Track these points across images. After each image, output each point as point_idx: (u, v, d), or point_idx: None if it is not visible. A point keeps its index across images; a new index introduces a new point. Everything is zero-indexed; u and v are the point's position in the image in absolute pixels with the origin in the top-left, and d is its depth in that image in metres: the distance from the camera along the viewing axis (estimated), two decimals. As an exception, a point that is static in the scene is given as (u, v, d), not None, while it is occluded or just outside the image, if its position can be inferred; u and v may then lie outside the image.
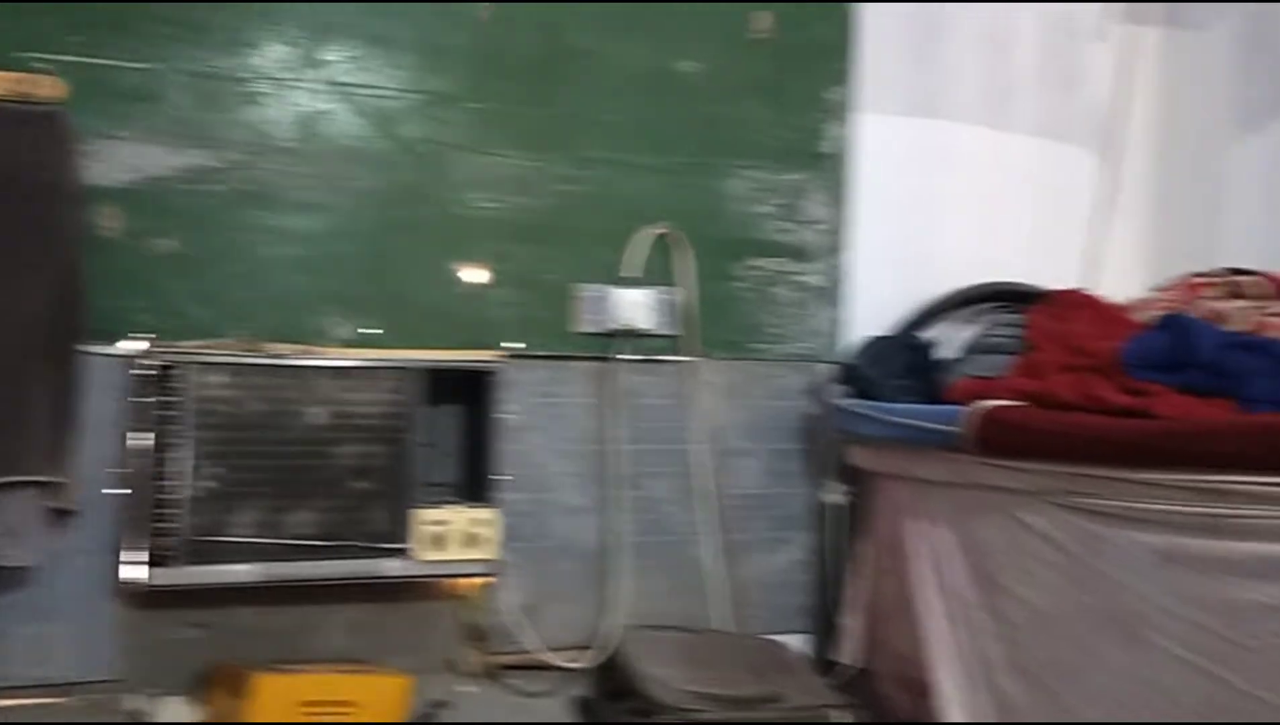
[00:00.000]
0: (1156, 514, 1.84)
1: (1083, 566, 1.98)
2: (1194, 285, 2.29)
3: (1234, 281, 2.27)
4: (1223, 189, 2.84)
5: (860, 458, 2.60)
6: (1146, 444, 1.85)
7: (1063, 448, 1.99)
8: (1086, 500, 1.98)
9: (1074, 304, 2.32)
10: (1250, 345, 1.98)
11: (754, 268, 2.70)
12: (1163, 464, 1.82)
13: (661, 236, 2.58)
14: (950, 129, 2.86)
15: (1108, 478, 1.93)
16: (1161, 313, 2.16)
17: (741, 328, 2.69)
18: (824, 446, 2.68)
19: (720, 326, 2.66)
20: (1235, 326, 2.20)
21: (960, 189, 2.87)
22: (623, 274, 2.55)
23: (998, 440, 2.10)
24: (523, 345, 2.47)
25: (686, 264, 2.59)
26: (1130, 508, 1.89)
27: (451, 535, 2.31)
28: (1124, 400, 1.97)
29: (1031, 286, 2.60)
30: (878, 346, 2.59)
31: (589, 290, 2.53)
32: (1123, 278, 2.82)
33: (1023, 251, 2.89)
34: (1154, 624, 1.84)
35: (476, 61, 2.47)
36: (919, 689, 2.36)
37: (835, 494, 2.66)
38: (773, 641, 2.61)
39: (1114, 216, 2.98)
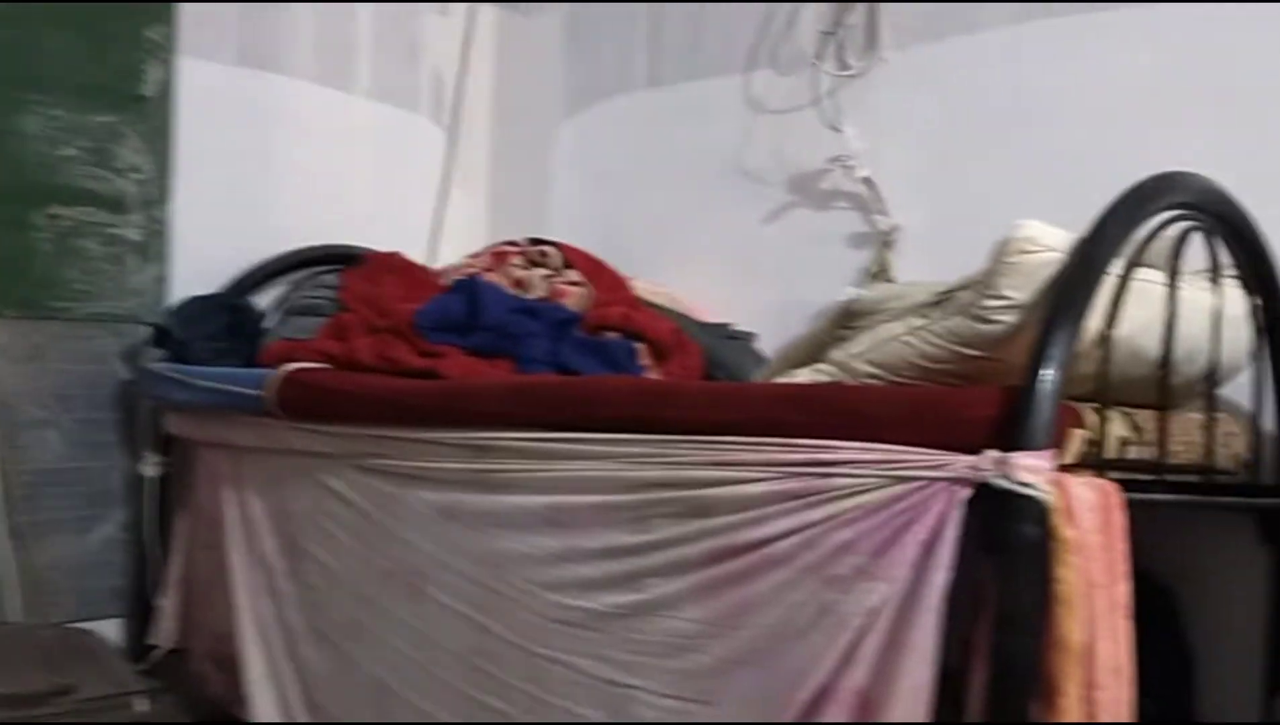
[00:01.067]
0: (438, 472, 1.89)
1: (376, 527, 1.99)
2: (502, 253, 2.40)
3: (536, 251, 2.41)
4: (550, 166, 3.03)
5: (177, 426, 2.43)
6: (428, 404, 1.89)
7: (357, 409, 1.98)
8: (381, 461, 1.98)
9: (386, 267, 2.34)
10: (533, 310, 2.10)
11: (56, 217, 2.41)
12: (443, 423, 1.87)
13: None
14: (287, 85, 2.76)
15: (399, 438, 1.95)
16: (457, 277, 2.23)
17: (40, 283, 2.40)
18: (140, 415, 2.48)
19: (13, 282, 2.35)
20: (535, 293, 2.33)
21: (299, 148, 2.78)
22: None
23: (297, 403, 2.05)
24: None
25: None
26: (417, 467, 1.92)
27: None
28: (417, 362, 2.00)
29: (361, 250, 2.59)
30: (194, 307, 2.44)
31: None
32: (463, 247, 2.91)
33: (368, 217, 2.88)
34: (433, 579, 1.89)
35: None
36: (231, 665, 2.26)
37: (152, 466, 2.47)
38: (75, 629, 2.37)
39: (455, 187, 3.06)
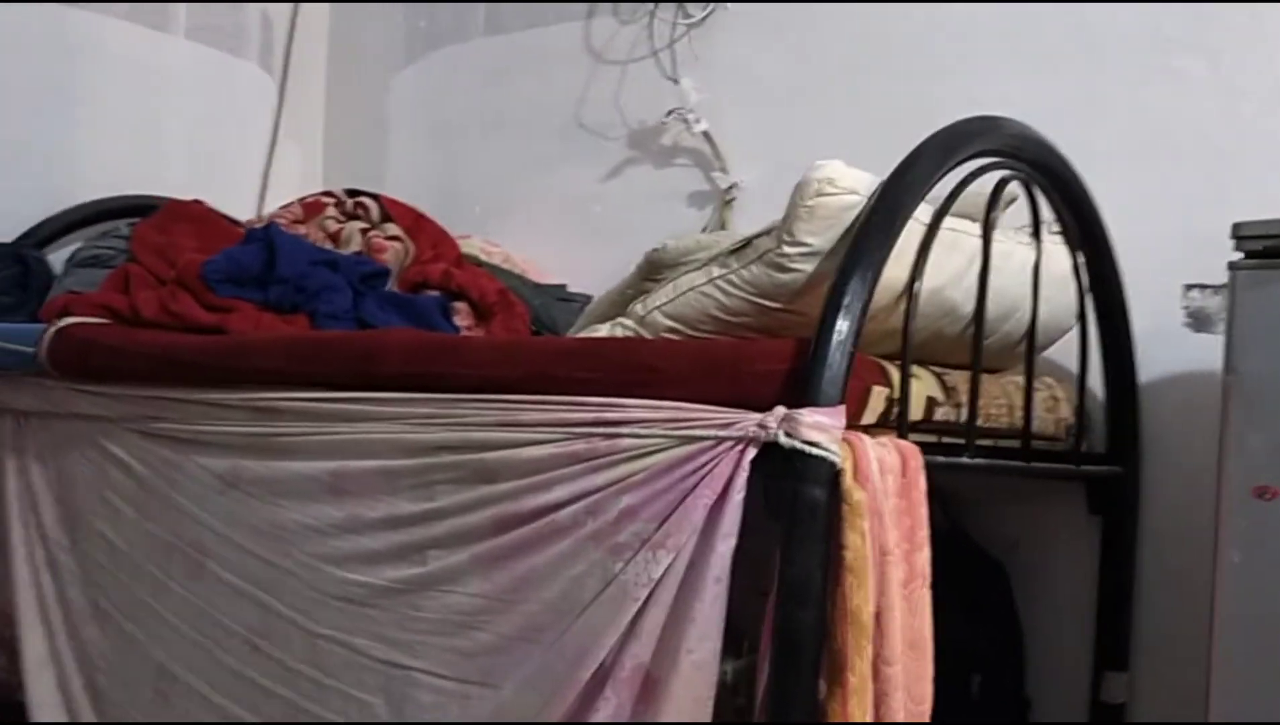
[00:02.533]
0: (219, 436, 1.74)
1: (157, 497, 1.82)
2: (316, 204, 2.23)
3: (352, 203, 2.25)
4: (386, 116, 2.86)
5: (-43, 389, 2.22)
6: (206, 362, 1.73)
7: (133, 368, 1.81)
8: (161, 425, 1.82)
9: (182, 215, 2.15)
10: (334, 262, 1.95)
11: None
12: (223, 383, 1.72)
13: None
14: (94, 21, 2.54)
15: (178, 400, 1.78)
16: (250, 227, 2.07)
17: None
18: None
19: None
20: (350, 248, 2.18)
21: (107, 91, 2.57)
22: None
23: (69, 361, 1.87)
24: None
25: None
26: (198, 431, 1.76)
27: None
28: (204, 317, 1.84)
29: (162, 199, 2.39)
30: (-28, 258, 2.23)
31: None
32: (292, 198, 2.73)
33: (188, 167, 2.68)
34: (213, 553, 1.73)
35: None
36: (11, 648, 2.07)
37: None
38: None
39: (286, 137, 2.88)
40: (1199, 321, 1.67)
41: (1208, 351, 1.79)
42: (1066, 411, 1.76)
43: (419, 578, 1.49)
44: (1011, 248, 1.56)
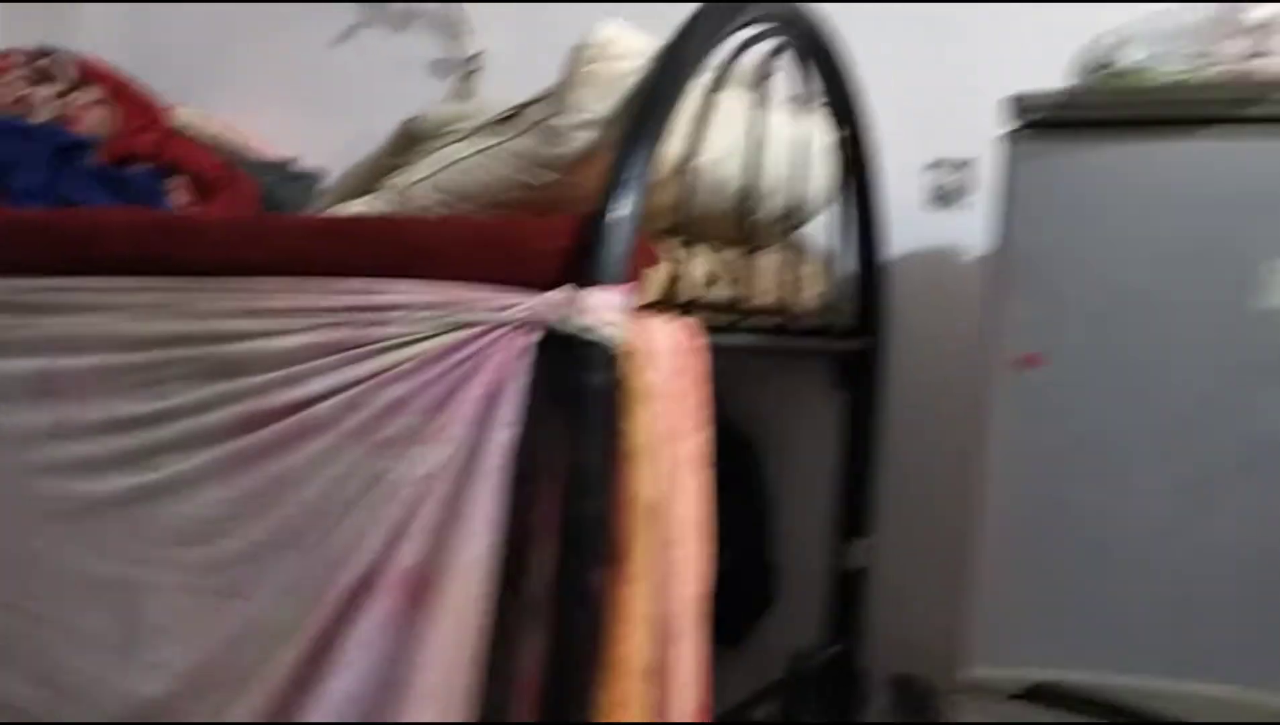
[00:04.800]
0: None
1: None
2: (-3, 65, 1.93)
3: (43, 63, 1.96)
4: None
5: None
6: None
7: None
8: None
9: None
10: (26, 132, 1.69)
11: None
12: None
13: None
14: None
15: None
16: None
17: None
18: None
19: None
20: (39, 116, 1.90)
21: None
22: None
23: None
24: None
25: None
26: None
27: None
28: None
29: None
30: None
31: None
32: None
33: None
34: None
35: None
36: None
37: None
38: None
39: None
40: (945, 197, 1.70)
41: (951, 228, 1.87)
42: (821, 288, 1.77)
43: (151, 485, 1.33)
44: (781, 122, 1.52)
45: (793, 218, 1.61)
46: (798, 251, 1.75)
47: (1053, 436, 1.23)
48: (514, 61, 2.12)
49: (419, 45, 2.24)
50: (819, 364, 1.92)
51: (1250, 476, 1.14)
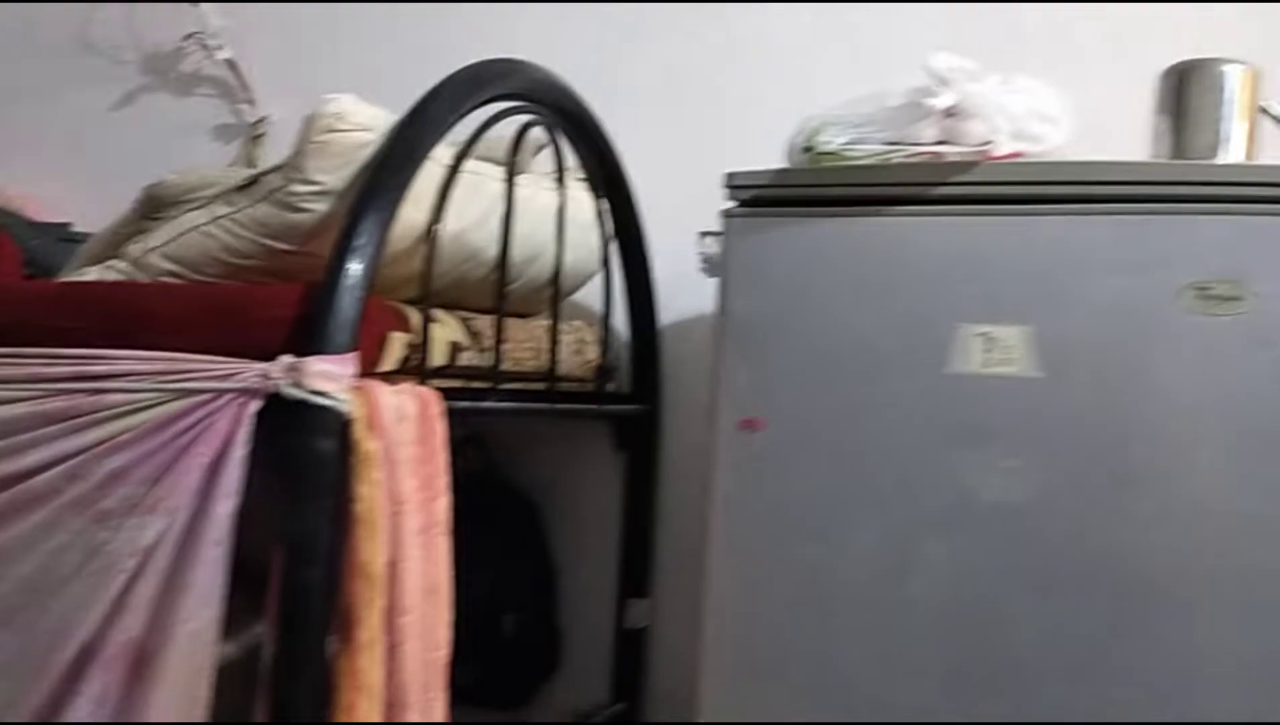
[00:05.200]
0: None
1: None
2: None
3: None
4: None
5: None
6: None
7: None
8: None
9: None
10: None
11: None
12: None
13: None
14: None
15: None
16: None
17: None
18: None
19: None
20: None
21: None
22: None
23: None
24: None
25: None
26: None
27: None
28: None
29: None
30: None
31: None
32: None
33: None
34: None
35: None
36: None
37: None
38: None
39: None
40: (711, 266, 1.77)
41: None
42: (595, 354, 1.81)
43: None
44: (535, 192, 1.56)
45: (558, 286, 1.64)
46: (567, 318, 1.79)
47: (774, 497, 1.28)
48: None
49: (202, 110, 2.22)
50: (601, 427, 1.96)
51: (950, 534, 1.21)
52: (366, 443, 1.18)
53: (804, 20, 1.89)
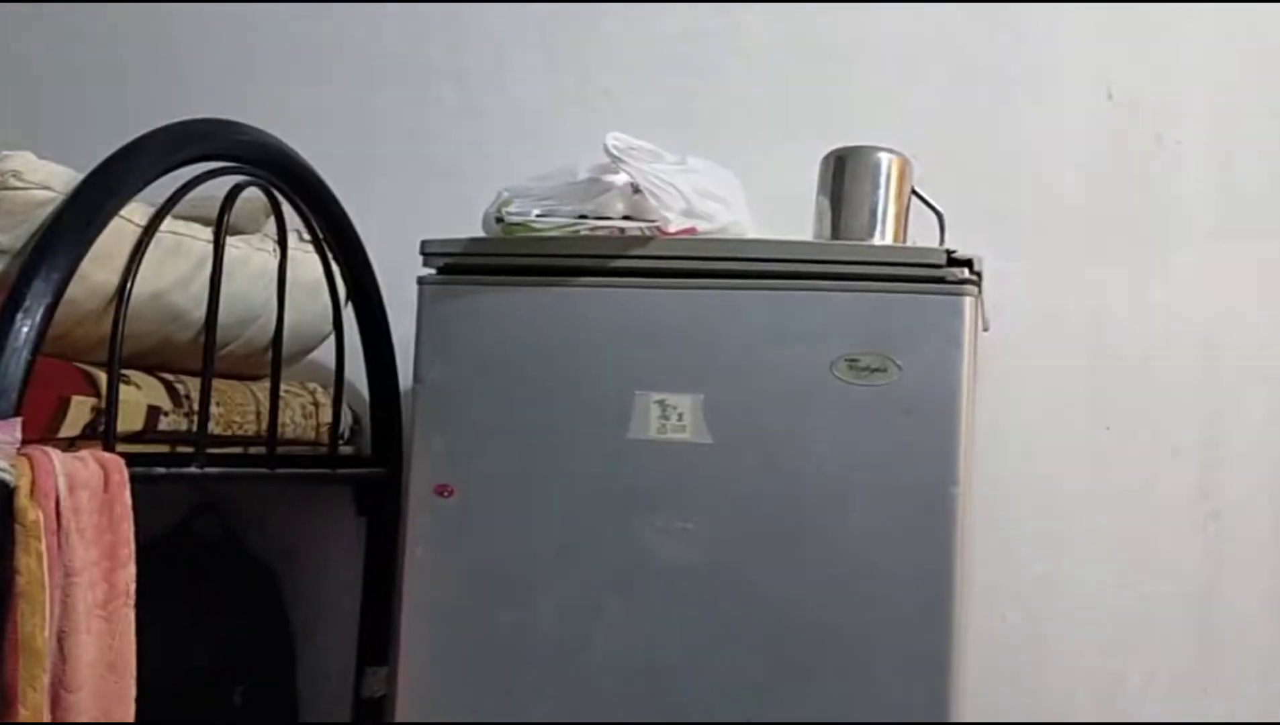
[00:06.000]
0: None
1: None
2: None
3: None
4: None
5: None
6: None
7: None
8: None
9: None
10: None
11: None
12: None
13: None
14: None
15: None
16: None
17: None
18: None
19: None
20: None
21: None
22: None
23: None
24: None
25: None
26: None
27: None
28: None
29: None
30: None
31: None
32: None
33: None
34: None
35: None
36: None
37: None
38: None
39: None
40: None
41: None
42: (329, 416, 1.79)
43: None
44: (249, 253, 1.55)
45: (278, 348, 1.62)
46: (302, 380, 1.77)
47: (465, 562, 1.30)
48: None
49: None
50: (343, 492, 1.93)
51: (627, 597, 1.24)
52: (29, 512, 1.14)
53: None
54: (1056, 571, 1.78)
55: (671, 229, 1.24)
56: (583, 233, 1.25)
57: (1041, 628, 1.78)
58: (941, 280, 1.20)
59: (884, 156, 1.33)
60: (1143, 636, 1.77)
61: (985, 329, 1.51)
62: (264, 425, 1.62)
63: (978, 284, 1.24)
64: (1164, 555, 1.77)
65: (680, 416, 1.23)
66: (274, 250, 1.61)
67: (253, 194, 1.55)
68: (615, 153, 1.22)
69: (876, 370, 1.18)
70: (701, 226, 1.26)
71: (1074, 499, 1.78)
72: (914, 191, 1.35)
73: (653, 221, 1.24)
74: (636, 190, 1.26)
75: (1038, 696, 1.78)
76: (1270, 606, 1.73)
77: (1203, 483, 1.75)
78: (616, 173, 1.25)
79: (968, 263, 1.21)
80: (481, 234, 1.37)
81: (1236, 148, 1.78)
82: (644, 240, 1.25)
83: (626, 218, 1.26)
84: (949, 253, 1.21)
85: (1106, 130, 1.80)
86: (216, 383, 1.48)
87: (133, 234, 1.34)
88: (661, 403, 1.24)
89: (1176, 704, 1.75)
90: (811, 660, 1.21)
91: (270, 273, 1.59)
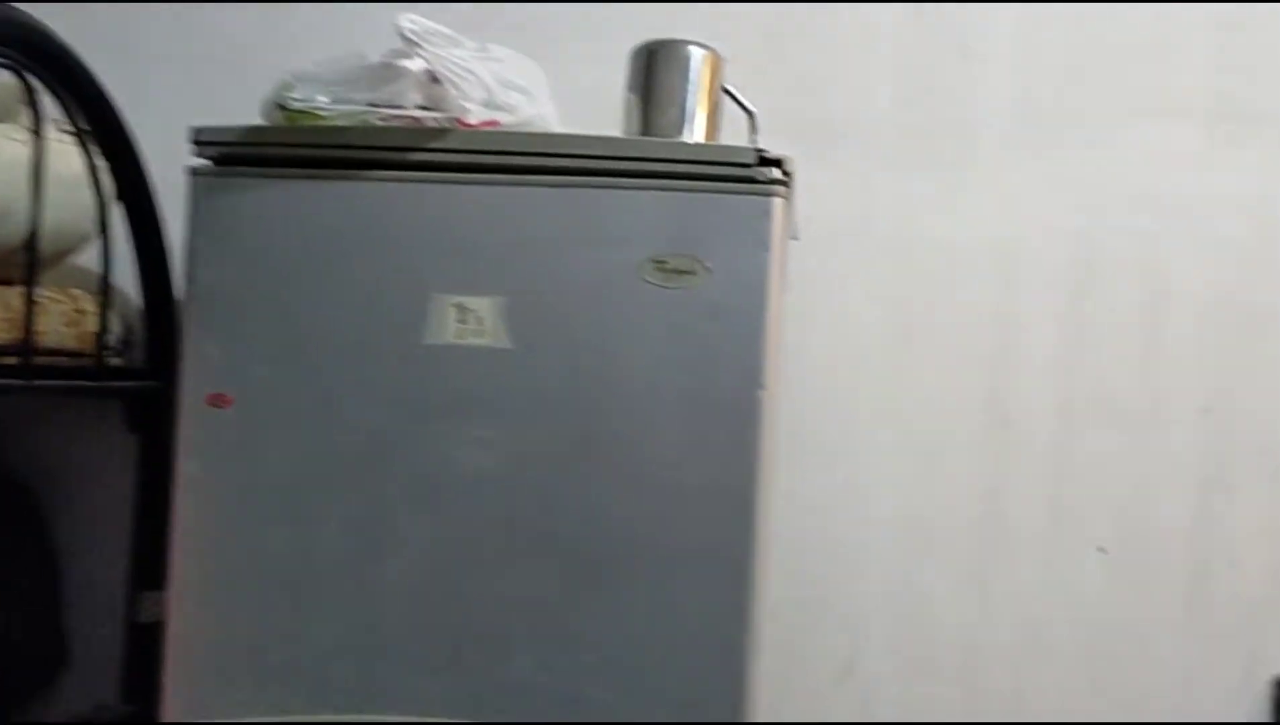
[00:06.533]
0: None
1: None
2: None
3: None
4: None
5: None
6: None
7: None
8: None
9: None
10: None
11: None
12: None
13: None
14: None
15: None
16: None
17: None
18: None
19: None
20: None
21: None
22: None
23: None
24: None
25: None
26: None
27: None
28: None
29: None
30: None
31: None
32: None
33: None
34: None
35: None
36: None
37: None
38: None
39: None
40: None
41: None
42: (94, 324, 1.64)
43: None
44: (12, 145, 1.38)
45: (35, 249, 1.46)
46: (67, 286, 1.61)
47: (243, 478, 1.20)
48: None
49: None
50: (113, 407, 1.78)
51: (423, 510, 1.18)
52: None
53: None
54: (854, 479, 1.82)
55: (471, 120, 1.15)
56: (374, 122, 1.15)
57: (839, 533, 1.82)
58: (751, 180, 1.16)
59: (695, 50, 1.27)
60: (931, 541, 1.83)
61: (795, 237, 1.49)
62: (20, 334, 1.47)
63: (788, 185, 1.20)
64: (954, 462, 1.82)
65: (480, 320, 1.16)
66: (27, 141, 1.44)
67: (2, 77, 1.38)
68: (411, 36, 1.12)
69: (684, 272, 1.14)
70: (504, 119, 1.18)
71: (873, 408, 1.82)
72: (725, 89, 1.31)
73: (451, 112, 1.15)
74: (434, 79, 1.17)
75: (833, 604, 1.83)
76: (1051, 511, 1.81)
77: (994, 390, 1.81)
78: (412, 58, 1.16)
79: (778, 162, 1.17)
80: (262, 122, 1.25)
81: (1033, 62, 1.82)
82: (441, 132, 1.16)
83: (423, 108, 1.17)
84: (759, 152, 1.17)
85: (914, 41, 1.81)
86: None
87: None
88: (459, 305, 1.16)
89: (961, 603, 1.83)
90: (614, 569, 1.17)
91: (22, 165, 1.43)
